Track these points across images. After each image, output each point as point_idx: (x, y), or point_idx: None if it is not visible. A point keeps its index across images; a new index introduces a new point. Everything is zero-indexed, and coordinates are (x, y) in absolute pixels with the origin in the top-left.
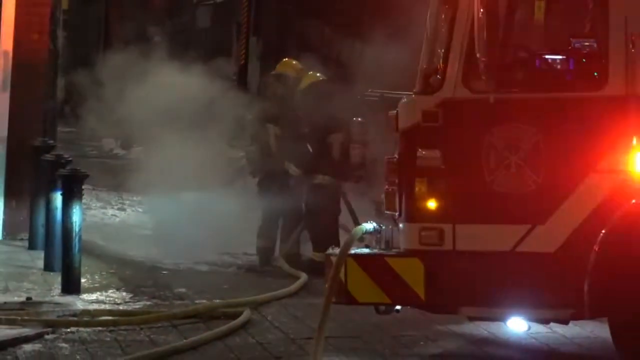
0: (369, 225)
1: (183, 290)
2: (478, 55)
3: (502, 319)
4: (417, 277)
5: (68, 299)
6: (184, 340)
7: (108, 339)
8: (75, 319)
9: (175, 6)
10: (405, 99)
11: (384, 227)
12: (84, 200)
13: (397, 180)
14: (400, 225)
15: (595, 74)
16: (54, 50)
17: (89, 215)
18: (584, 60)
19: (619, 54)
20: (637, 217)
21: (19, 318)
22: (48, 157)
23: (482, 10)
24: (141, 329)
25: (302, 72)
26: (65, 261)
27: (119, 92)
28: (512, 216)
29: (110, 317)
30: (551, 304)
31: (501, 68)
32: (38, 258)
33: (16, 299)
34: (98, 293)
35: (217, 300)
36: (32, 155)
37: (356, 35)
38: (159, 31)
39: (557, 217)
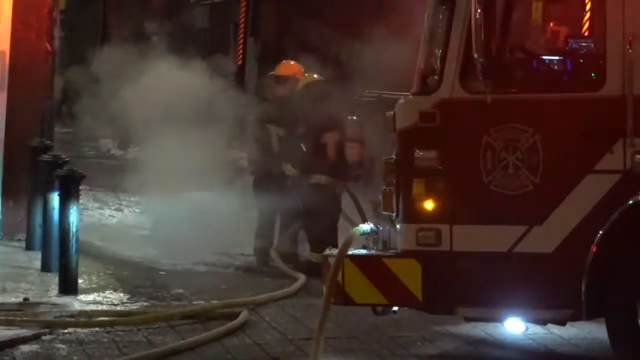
0: (367, 226)
1: (181, 291)
2: (475, 55)
3: (499, 319)
4: (415, 277)
5: (65, 299)
6: (182, 341)
7: (105, 339)
8: (72, 319)
9: (172, 6)
10: (402, 100)
11: (381, 228)
12: (81, 201)
13: (394, 181)
14: (398, 225)
15: (593, 74)
16: (51, 51)
17: (86, 215)
18: (581, 60)
19: (616, 54)
20: (634, 218)
21: (17, 319)
22: (45, 157)
23: (479, 10)
24: (138, 329)
25: (301, 73)
26: (63, 262)
27: (116, 92)
28: (510, 217)
29: (108, 318)
30: (548, 305)
31: (498, 69)
32: (35, 259)
33: (13, 299)
34: (95, 294)
35: (215, 301)
36: (30, 155)
37: (354, 35)
38: (156, 31)
39: (555, 217)
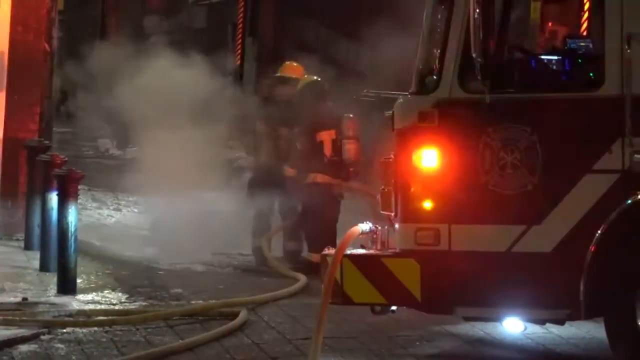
0: (365, 226)
1: (179, 290)
2: (474, 55)
3: (498, 319)
4: (413, 277)
5: (64, 299)
6: (181, 341)
7: (104, 339)
8: (71, 319)
9: (171, 7)
10: (401, 99)
11: (379, 228)
12: (79, 201)
13: (393, 181)
14: (396, 225)
15: (591, 74)
16: (50, 51)
17: (85, 215)
18: (579, 60)
19: (615, 54)
20: (633, 218)
21: (15, 319)
22: (44, 157)
23: (477, 10)
24: (137, 329)
25: (303, 75)
26: (61, 261)
27: (114, 92)
28: (508, 216)
29: (106, 317)
30: (547, 305)
31: (497, 68)
32: (34, 258)
33: (12, 299)
34: (94, 293)
35: (213, 301)
36: (28, 155)
37: (352, 35)
38: (155, 31)
39: (553, 217)
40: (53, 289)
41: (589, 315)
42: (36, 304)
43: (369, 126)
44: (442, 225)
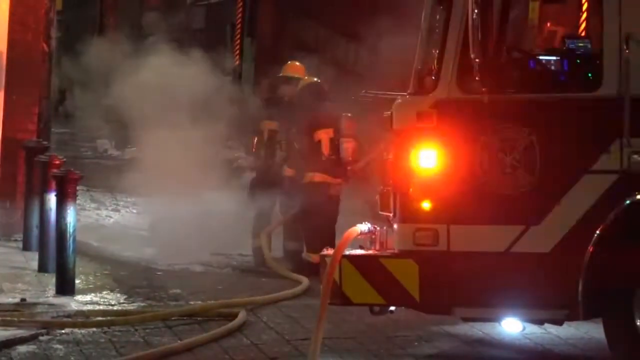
0: (364, 226)
1: (178, 291)
2: (472, 56)
3: (496, 319)
4: (412, 277)
5: (62, 300)
6: (179, 341)
7: (103, 340)
8: (70, 319)
9: (169, 7)
10: (399, 100)
11: (378, 228)
12: (78, 201)
13: (391, 181)
14: (395, 225)
15: (590, 74)
16: (48, 51)
17: (83, 216)
18: (578, 61)
19: (613, 54)
20: (631, 218)
21: (14, 319)
22: (42, 157)
23: (476, 11)
24: (136, 330)
25: (304, 74)
26: (60, 262)
27: (113, 92)
28: (507, 217)
29: (105, 318)
30: (546, 305)
31: (495, 69)
32: (32, 259)
33: (10, 300)
34: (92, 294)
35: (212, 301)
36: (26, 156)
37: (351, 36)
38: (153, 32)
39: (552, 217)
40: (51, 289)
41: (587, 316)
42: (35, 304)
43: (368, 126)
44: (440, 226)
